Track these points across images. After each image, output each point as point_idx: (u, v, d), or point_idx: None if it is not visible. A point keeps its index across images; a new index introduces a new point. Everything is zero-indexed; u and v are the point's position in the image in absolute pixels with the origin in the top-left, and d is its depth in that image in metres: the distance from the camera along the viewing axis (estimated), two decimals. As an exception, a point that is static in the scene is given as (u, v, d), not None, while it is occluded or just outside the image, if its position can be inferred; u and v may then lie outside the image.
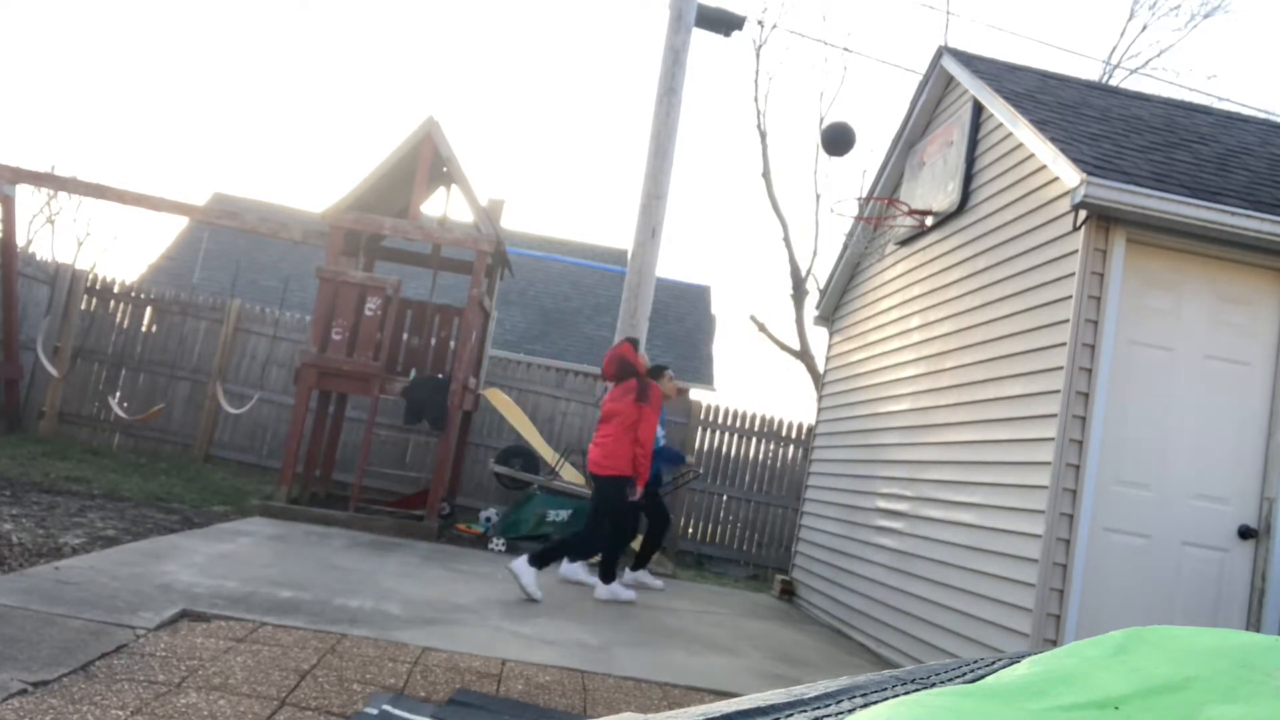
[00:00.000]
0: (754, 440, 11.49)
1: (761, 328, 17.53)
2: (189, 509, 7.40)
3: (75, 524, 5.83)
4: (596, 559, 7.36)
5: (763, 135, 17.89)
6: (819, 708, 1.01)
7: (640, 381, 6.57)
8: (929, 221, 6.91)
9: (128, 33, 36.21)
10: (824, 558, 7.88)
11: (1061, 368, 4.78)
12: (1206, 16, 19.68)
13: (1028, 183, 5.54)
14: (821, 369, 9.64)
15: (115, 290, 11.09)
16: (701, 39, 15.54)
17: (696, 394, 15.24)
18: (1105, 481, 4.76)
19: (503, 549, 8.29)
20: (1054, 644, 4.53)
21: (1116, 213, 4.75)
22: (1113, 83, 17.62)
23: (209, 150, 38.65)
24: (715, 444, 11.45)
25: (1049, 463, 4.73)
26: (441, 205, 9.70)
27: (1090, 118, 6.04)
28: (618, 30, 45.63)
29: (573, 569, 7.04)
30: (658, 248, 9.20)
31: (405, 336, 9.35)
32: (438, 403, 8.43)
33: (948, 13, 23.93)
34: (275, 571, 5.44)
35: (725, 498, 11.42)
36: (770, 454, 11.48)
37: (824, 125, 6.87)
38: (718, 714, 0.93)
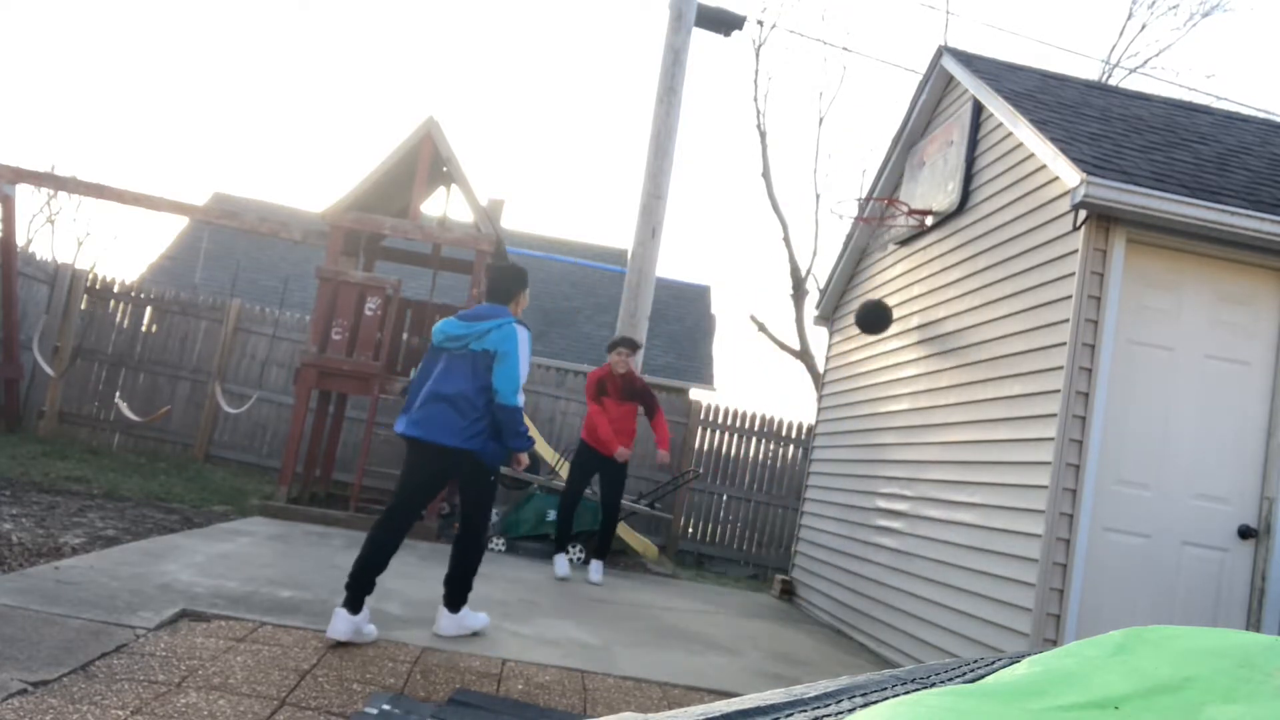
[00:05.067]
0: (754, 440, 11.49)
1: (761, 328, 17.53)
2: (189, 509, 7.40)
3: (75, 524, 5.83)
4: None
5: (762, 135, 17.89)
6: (819, 708, 1.01)
7: None
8: (929, 221, 6.92)
9: (127, 32, 36.22)
10: (824, 558, 7.89)
11: (1061, 368, 4.79)
12: (1205, 15, 19.67)
13: (1028, 182, 5.54)
14: (821, 369, 9.64)
15: (115, 290, 11.09)
16: (701, 39, 15.54)
17: (696, 394, 15.25)
18: (1105, 481, 4.76)
19: (503, 549, 8.29)
20: (1054, 644, 4.53)
21: (1116, 212, 4.75)
22: (1112, 82, 17.62)
23: (209, 150, 38.67)
24: (715, 444, 11.45)
25: (1049, 462, 4.73)
26: (441, 205, 9.70)
27: (1090, 117, 6.04)
28: (618, 30, 45.63)
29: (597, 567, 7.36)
30: (658, 248, 9.20)
31: (405, 336, 9.34)
32: (438, 403, 8.42)
33: (948, 13, 23.97)
34: (275, 571, 5.44)
35: (725, 498, 11.42)
36: (770, 454, 11.48)
37: (860, 308, 7.14)
38: (718, 714, 0.93)
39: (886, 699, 0.99)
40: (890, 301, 7.55)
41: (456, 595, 4.57)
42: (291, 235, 8.97)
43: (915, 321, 6.91)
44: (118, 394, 10.75)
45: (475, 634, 4.66)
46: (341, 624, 4.10)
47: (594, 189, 47.58)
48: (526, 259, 17.89)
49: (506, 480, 9.90)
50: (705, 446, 11.41)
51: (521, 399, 4.42)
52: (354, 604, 4.14)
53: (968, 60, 6.91)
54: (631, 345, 7.40)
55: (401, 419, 4.40)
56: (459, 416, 4.27)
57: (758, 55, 18.28)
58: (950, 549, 5.60)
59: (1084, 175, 4.69)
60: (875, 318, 6.95)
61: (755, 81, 18.10)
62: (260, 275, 16.47)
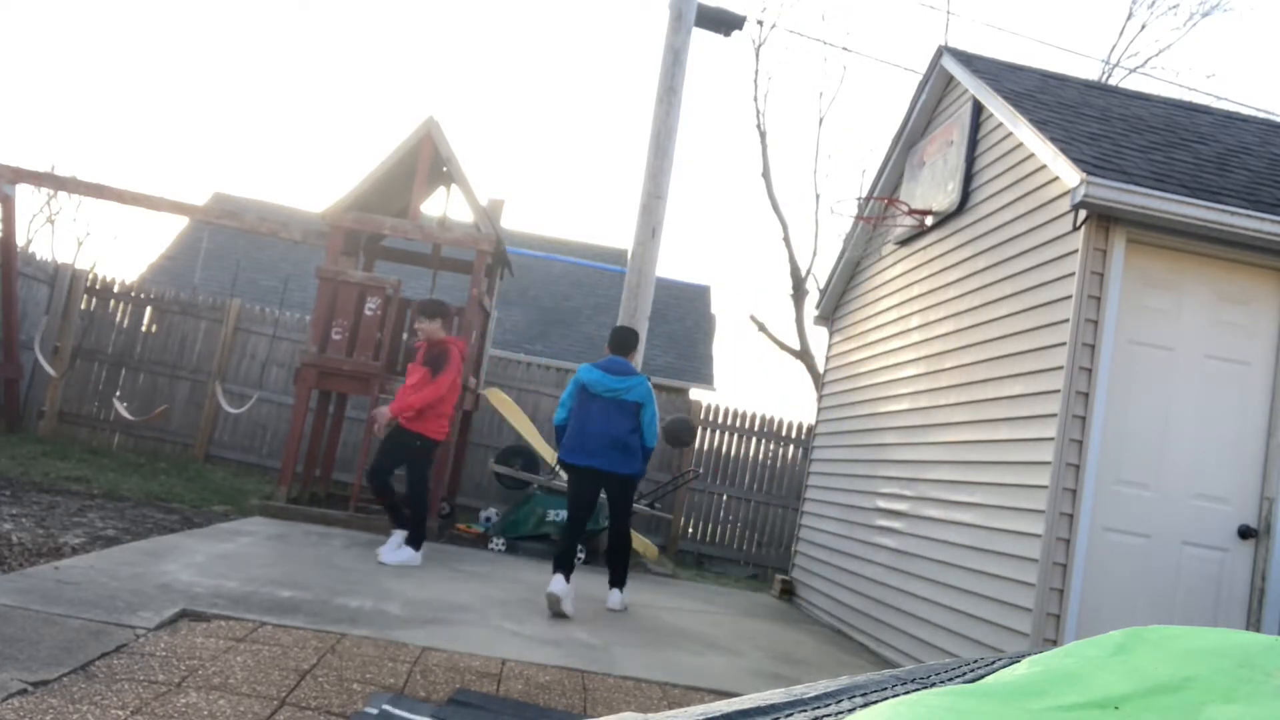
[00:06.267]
0: (754, 440, 11.49)
1: (761, 328, 17.53)
2: (189, 509, 7.40)
3: (75, 524, 5.83)
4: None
5: (762, 135, 17.88)
6: (819, 708, 1.01)
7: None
8: (929, 221, 6.92)
9: (127, 32, 36.22)
10: (824, 557, 7.89)
11: (1061, 367, 4.79)
12: (1205, 15, 19.65)
13: (1028, 182, 5.54)
14: (821, 369, 9.64)
15: (115, 290, 11.09)
16: (701, 39, 15.54)
17: (696, 394, 15.25)
18: (1105, 481, 4.76)
19: (503, 548, 8.29)
20: (1054, 644, 4.53)
21: (1116, 212, 4.75)
22: (1112, 82, 17.62)
23: (209, 150, 38.66)
24: (715, 444, 11.45)
25: (1049, 462, 4.73)
26: (441, 205, 9.70)
27: (1090, 117, 6.04)
28: (618, 30, 45.65)
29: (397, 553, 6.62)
30: (658, 248, 9.20)
31: (405, 336, 9.34)
32: (438, 402, 8.42)
33: (948, 13, 23.95)
34: (275, 571, 5.44)
35: (725, 498, 11.42)
36: (770, 454, 11.48)
37: (668, 422, 7.24)
38: (718, 714, 0.93)
39: (886, 699, 0.99)
40: (890, 301, 7.55)
41: (623, 577, 6.18)
42: (291, 235, 8.97)
43: (915, 321, 6.91)
44: (117, 394, 10.75)
45: (625, 609, 6.13)
46: (557, 587, 5.66)
47: (594, 189, 47.61)
48: (526, 259, 17.89)
49: (506, 480, 9.92)
50: (705, 446, 11.41)
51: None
52: (566, 574, 5.72)
53: (968, 60, 6.91)
54: (427, 312, 6.68)
55: (574, 454, 5.86)
56: (628, 450, 5.88)
57: (758, 55, 18.26)
58: (950, 549, 5.60)
59: (1084, 175, 4.69)
60: (682, 434, 7.10)
61: (755, 81, 18.10)
62: (260, 275, 16.47)
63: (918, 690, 1.02)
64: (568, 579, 5.64)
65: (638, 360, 8.60)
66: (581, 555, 8.35)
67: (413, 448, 6.61)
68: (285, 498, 8.18)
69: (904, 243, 7.45)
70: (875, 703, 0.99)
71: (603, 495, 8.21)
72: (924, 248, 7.03)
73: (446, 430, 6.80)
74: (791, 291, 17.66)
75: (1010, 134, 5.78)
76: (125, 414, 9.53)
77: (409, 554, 6.53)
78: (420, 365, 6.69)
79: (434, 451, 6.81)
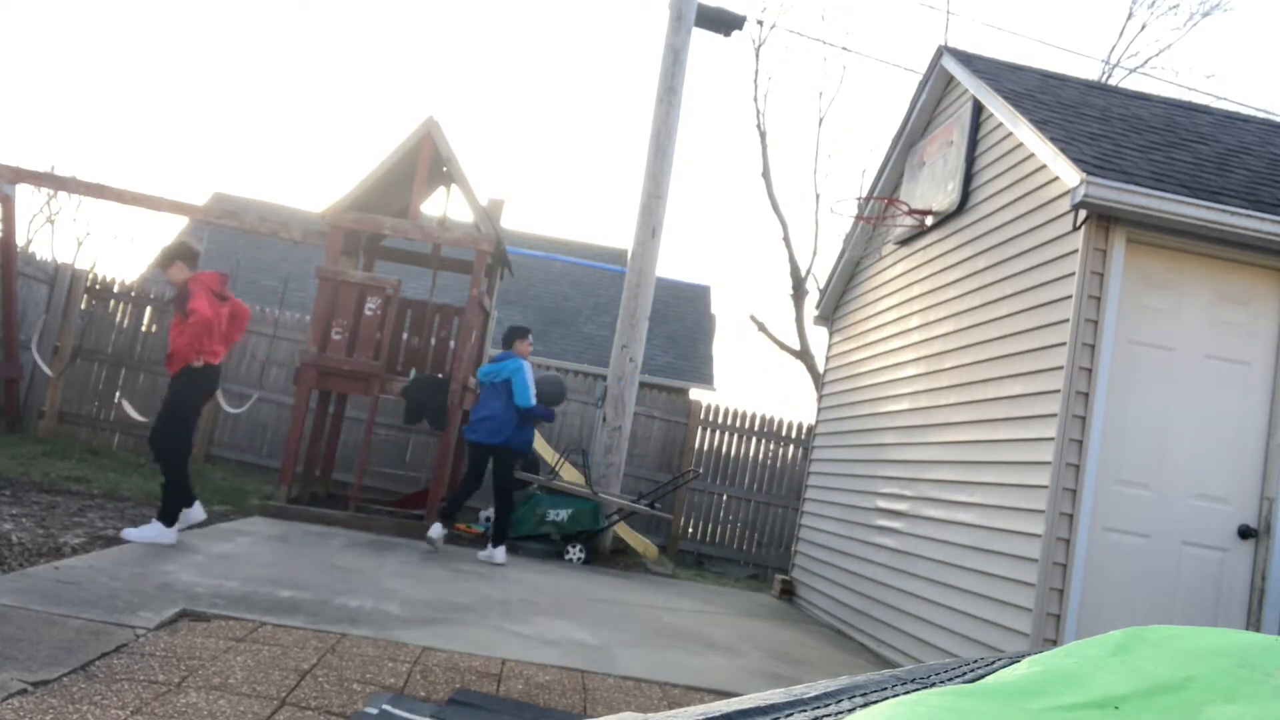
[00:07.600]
0: (754, 440, 11.49)
1: (761, 328, 17.54)
2: (189, 509, 7.39)
3: (75, 524, 5.83)
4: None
5: (762, 135, 17.89)
6: (819, 707, 1.01)
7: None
8: (929, 221, 6.91)
9: (127, 32, 36.21)
10: (824, 557, 7.89)
11: (1061, 367, 4.79)
12: (1205, 15, 19.66)
13: (1028, 182, 5.54)
14: (821, 369, 9.64)
15: (115, 290, 11.09)
16: (701, 39, 15.54)
17: (696, 394, 15.25)
18: (1105, 481, 4.76)
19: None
20: (1054, 644, 4.53)
21: (1116, 212, 4.75)
22: (1112, 82, 17.62)
23: (209, 150, 38.65)
24: (715, 444, 11.45)
25: (1049, 462, 4.73)
26: (441, 205, 9.71)
27: (1090, 117, 6.04)
28: (618, 30, 45.64)
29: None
30: (658, 248, 9.20)
31: (405, 336, 9.34)
32: (438, 402, 8.43)
33: (948, 12, 23.97)
34: (275, 571, 5.44)
35: (725, 498, 11.42)
36: (770, 454, 11.49)
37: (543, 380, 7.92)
38: (718, 714, 0.93)
39: (886, 699, 0.99)
40: (890, 301, 7.55)
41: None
42: (291, 235, 8.97)
43: (915, 321, 6.91)
44: (118, 394, 10.75)
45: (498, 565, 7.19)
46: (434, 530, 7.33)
47: (594, 189, 47.61)
48: (526, 259, 17.89)
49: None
50: (705, 446, 11.41)
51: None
52: (447, 521, 7.56)
53: (968, 60, 6.91)
54: (160, 263, 6.18)
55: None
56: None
57: (758, 55, 18.27)
58: (950, 549, 5.60)
59: (1084, 175, 4.69)
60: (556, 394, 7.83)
61: (755, 81, 18.12)
62: (260, 275, 16.46)
63: (918, 690, 1.02)
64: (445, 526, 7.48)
65: (638, 361, 8.77)
66: (581, 555, 8.35)
67: (189, 385, 5.98)
68: (285, 498, 8.18)
69: (904, 243, 7.45)
70: (875, 703, 0.99)
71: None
72: (924, 248, 7.03)
73: (218, 355, 6.18)
74: (791, 291, 17.68)
75: (1010, 134, 5.78)
76: (134, 414, 9.51)
77: (157, 530, 5.65)
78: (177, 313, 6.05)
79: (204, 381, 6.13)
